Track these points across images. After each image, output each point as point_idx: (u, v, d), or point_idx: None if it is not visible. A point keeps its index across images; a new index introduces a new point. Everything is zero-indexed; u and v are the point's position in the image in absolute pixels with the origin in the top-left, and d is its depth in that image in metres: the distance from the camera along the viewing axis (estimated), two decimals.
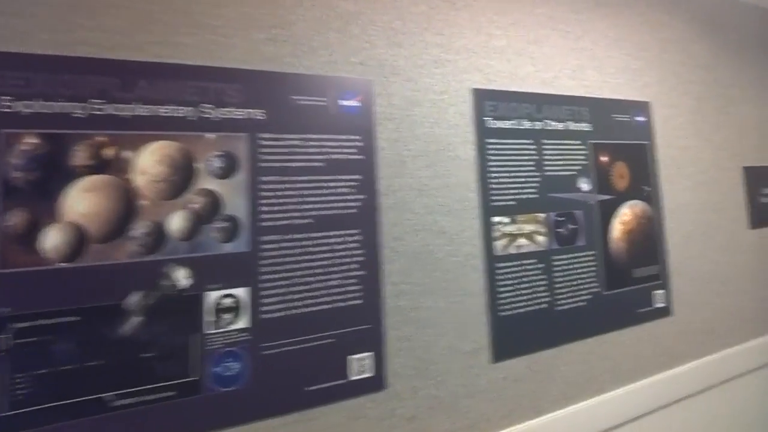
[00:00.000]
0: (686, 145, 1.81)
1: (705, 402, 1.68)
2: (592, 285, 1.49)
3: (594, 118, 1.59)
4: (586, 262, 1.49)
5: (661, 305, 1.64)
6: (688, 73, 1.87)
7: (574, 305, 1.44)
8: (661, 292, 1.64)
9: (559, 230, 1.45)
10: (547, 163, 1.46)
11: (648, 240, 1.64)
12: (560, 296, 1.42)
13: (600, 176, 1.56)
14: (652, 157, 1.70)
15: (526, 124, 1.45)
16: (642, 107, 1.72)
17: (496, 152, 1.38)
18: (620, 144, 1.63)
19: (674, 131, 1.78)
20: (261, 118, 1.07)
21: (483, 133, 1.37)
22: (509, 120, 1.42)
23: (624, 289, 1.56)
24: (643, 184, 1.67)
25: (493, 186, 1.36)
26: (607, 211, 1.56)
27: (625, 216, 1.59)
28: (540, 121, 1.47)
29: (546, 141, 1.47)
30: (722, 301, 1.80)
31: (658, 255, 1.66)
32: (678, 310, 1.67)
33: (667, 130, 1.76)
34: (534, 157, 1.44)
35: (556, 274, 1.42)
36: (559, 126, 1.51)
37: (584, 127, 1.56)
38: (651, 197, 1.67)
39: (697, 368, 1.67)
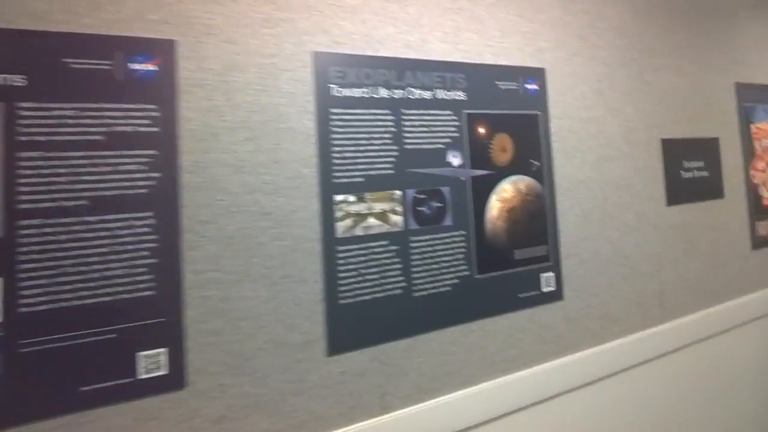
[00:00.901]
0: (590, 116, 1.68)
1: (596, 393, 1.58)
2: (461, 268, 1.37)
3: (471, 86, 1.46)
4: (454, 243, 1.37)
5: (550, 289, 1.53)
6: (596, 37, 1.73)
7: (437, 291, 1.34)
8: (549, 274, 1.53)
9: (420, 209, 1.33)
10: (407, 135, 1.33)
11: (535, 219, 1.52)
12: (419, 281, 1.31)
13: (476, 150, 1.43)
14: (545, 128, 1.58)
15: (383, 93, 1.32)
16: (534, 74, 1.59)
17: (343, 124, 1.26)
18: (504, 114, 1.50)
19: (575, 101, 1.65)
20: (20, 84, 0.94)
21: (326, 102, 1.24)
22: (361, 88, 1.29)
23: (502, 272, 1.44)
24: (533, 158, 1.54)
25: (337, 161, 1.24)
26: (484, 187, 1.44)
27: (505, 193, 1.47)
28: (401, 89, 1.35)
29: (407, 111, 1.35)
30: (624, 285, 1.70)
31: (548, 235, 1.54)
32: (570, 294, 1.56)
33: (567, 99, 1.63)
34: (391, 129, 1.31)
35: (415, 257, 1.31)
36: (426, 94, 1.38)
37: (458, 95, 1.43)
38: (541, 172, 1.55)
39: (589, 357, 1.56)
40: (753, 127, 2.23)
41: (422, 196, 1.34)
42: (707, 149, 2.02)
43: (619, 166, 1.73)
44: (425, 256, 1.33)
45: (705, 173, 1.99)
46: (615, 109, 1.75)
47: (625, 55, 1.80)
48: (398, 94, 1.34)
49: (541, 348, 1.49)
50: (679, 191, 1.89)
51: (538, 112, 1.58)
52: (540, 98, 1.59)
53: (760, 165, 2.23)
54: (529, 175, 1.53)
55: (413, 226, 1.32)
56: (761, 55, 2.35)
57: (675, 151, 1.90)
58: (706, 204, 1.98)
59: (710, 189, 2.01)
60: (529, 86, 1.58)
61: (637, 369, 1.67)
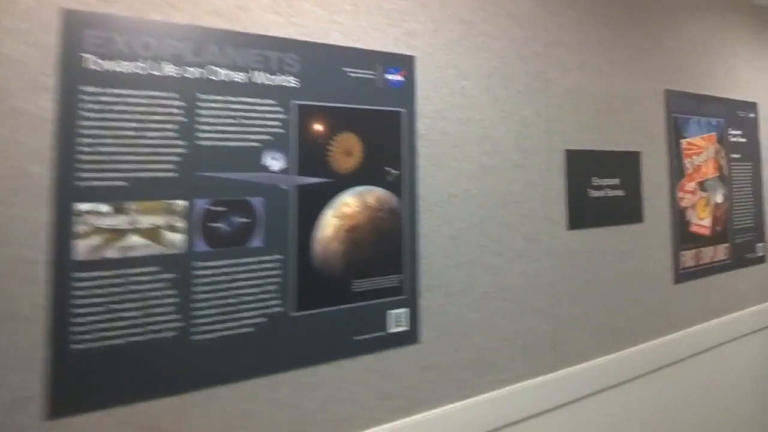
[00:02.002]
0: (472, 117, 1.40)
1: None
2: (271, 303, 1.08)
3: (307, 71, 1.17)
4: (263, 271, 1.07)
5: (401, 329, 1.25)
6: (487, 23, 1.45)
7: (232, 332, 1.03)
8: (401, 311, 1.25)
9: (214, 225, 1.02)
10: (203, 128, 1.04)
11: (386, 241, 1.23)
12: (204, 320, 1.01)
13: (307, 152, 1.14)
14: (409, 129, 1.29)
15: (170, 70, 1.02)
16: (400, 62, 1.30)
17: (100, 108, 0.95)
18: (352, 109, 1.21)
19: (454, 98, 1.37)
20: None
21: (75, 77, 0.93)
22: (135, 61, 0.98)
23: (332, 309, 1.15)
24: (389, 165, 1.25)
25: (86, 158, 0.93)
26: (317, 200, 1.14)
27: (346, 207, 1.17)
28: (198, 67, 1.04)
29: (206, 96, 1.05)
30: (506, 324, 1.43)
31: (404, 261, 1.25)
32: (430, 336, 1.28)
33: (443, 96, 1.35)
34: (179, 119, 1.01)
35: (200, 289, 1.00)
36: (238, 77, 1.08)
37: (287, 81, 1.14)
38: (400, 183, 1.26)
39: (450, 414, 1.28)
40: (684, 141, 1.98)
41: (220, 209, 1.04)
42: (625, 165, 1.76)
43: (508, 180, 1.45)
44: (218, 287, 1.03)
45: (620, 192, 1.73)
46: (507, 111, 1.47)
47: (524, 48, 1.53)
48: (193, 73, 1.04)
49: (383, 404, 1.20)
50: (585, 212, 1.62)
51: (401, 109, 1.30)
52: (405, 92, 1.31)
53: (690, 186, 1.99)
54: (382, 186, 1.24)
55: (201, 247, 1.02)
56: (699, 59, 2.12)
57: (583, 165, 1.63)
58: (620, 229, 1.72)
59: (626, 211, 1.75)
60: (390, 77, 1.29)
61: (516, 427, 1.39)
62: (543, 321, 1.51)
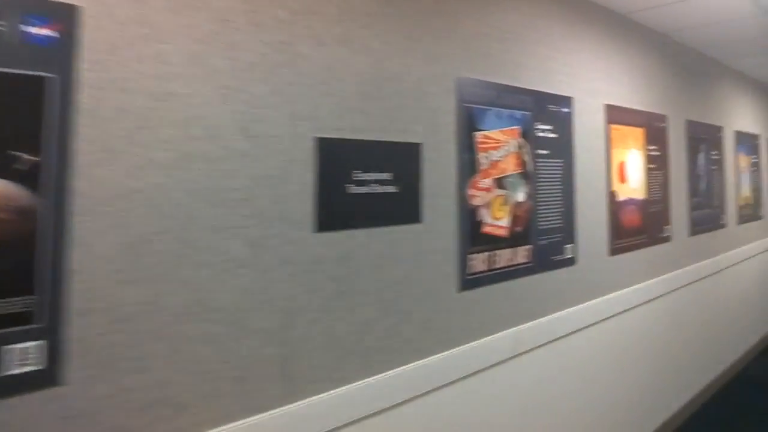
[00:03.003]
0: (173, 91, 1.12)
1: None
2: None
3: None
4: None
5: (28, 369, 0.92)
6: None
7: None
8: (31, 345, 0.93)
9: None
10: None
11: (6, 252, 0.89)
12: None
13: None
14: (62, 102, 0.97)
15: None
16: (52, 12, 0.98)
17: None
18: None
19: (143, 66, 1.11)
20: None
21: None
22: None
23: None
24: (20, 148, 0.91)
25: None
26: None
27: None
28: None
29: None
30: (208, 352, 1.20)
31: (38, 279, 0.93)
32: (82, 375, 0.99)
33: (124, 61, 1.07)
34: None
35: None
36: None
37: None
38: (38, 174, 0.93)
39: None
40: (479, 134, 1.81)
41: None
42: (400, 157, 1.55)
43: (227, 172, 1.19)
44: None
45: (392, 189, 1.52)
46: (231, 87, 1.20)
47: (262, 13, 1.26)
48: None
49: None
50: (341, 212, 1.39)
51: (49, 75, 0.97)
52: (58, 52, 0.99)
53: (485, 182, 1.82)
54: (3, 177, 0.90)
55: None
56: (505, 46, 1.96)
57: (341, 157, 1.39)
58: (390, 230, 1.52)
59: (399, 210, 1.54)
60: (33, 30, 0.96)
61: None
62: (270, 345, 1.26)
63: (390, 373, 1.53)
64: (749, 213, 4.27)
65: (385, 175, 1.53)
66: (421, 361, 1.61)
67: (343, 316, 1.42)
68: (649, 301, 2.84)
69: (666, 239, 3.05)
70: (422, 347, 1.62)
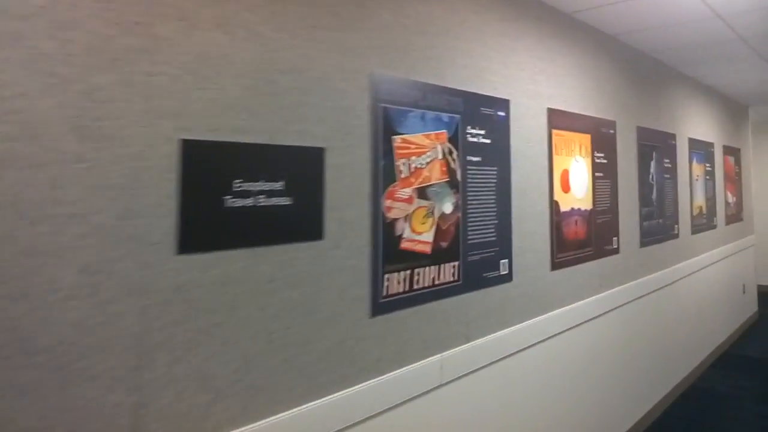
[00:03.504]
0: None
1: None
2: None
3: None
4: None
5: None
6: None
7: None
8: None
9: None
10: None
11: None
12: None
13: None
14: None
15: None
16: None
17: None
18: None
19: None
20: None
21: None
22: None
23: None
24: None
25: None
26: None
27: None
28: None
29: None
30: (14, 406, 0.90)
31: None
32: None
33: None
34: None
35: None
36: None
37: None
38: None
39: None
40: (398, 138, 1.60)
41: None
42: (297, 164, 1.33)
43: (53, 181, 0.99)
44: None
45: (285, 201, 1.30)
46: (59, 75, 0.96)
47: None
48: None
49: None
50: (215, 229, 1.15)
51: None
52: None
53: (405, 192, 1.61)
54: None
55: None
56: (431, 41, 1.75)
57: (215, 163, 1.16)
58: (284, 249, 1.30)
59: (294, 226, 1.33)
60: None
61: None
62: (116, 391, 1.02)
63: (282, 415, 1.31)
64: (703, 222, 4.19)
65: (276, 185, 1.31)
66: (322, 400, 1.40)
67: (216, 351, 1.19)
68: (597, 316, 2.69)
69: (615, 251, 2.90)
70: (324, 383, 1.41)
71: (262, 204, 1.29)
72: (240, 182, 1.25)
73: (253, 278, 1.27)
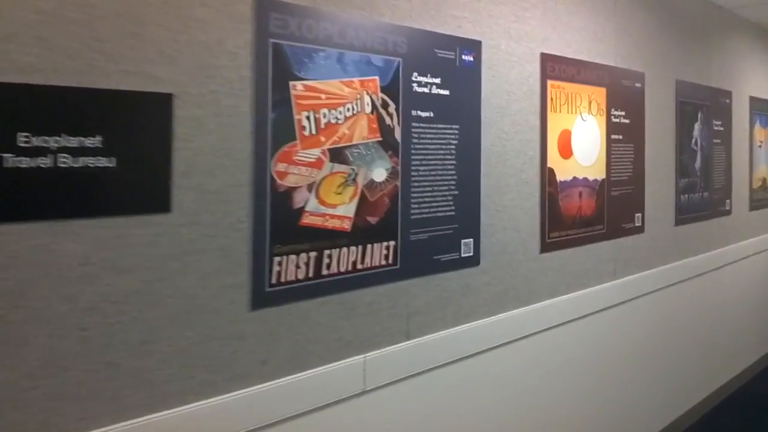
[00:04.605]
0: None
1: None
2: None
3: None
4: None
5: None
6: None
7: None
8: None
9: None
10: None
11: None
12: None
13: None
14: None
15: None
16: None
17: None
18: None
19: None
20: None
21: None
22: None
23: None
24: None
25: None
26: None
27: None
28: None
29: None
30: None
31: None
32: None
33: None
34: None
35: None
36: None
37: None
38: None
39: None
40: (299, 85, 1.26)
41: None
42: (123, 116, 1.02)
43: None
44: None
45: (105, 162, 1.02)
46: None
47: None
48: None
49: None
50: None
51: None
52: None
53: (309, 154, 1.28)
54: None
55: None
56: None
57: None
58: (105, 224, 1.04)
59: (120, 194, 1.07)
60: None
61: None
62: None
63: (104, 430, 1.02)
64: (766, 197, 3.55)
65: (88, 141, 1.00)
66: (170, 411, 1.13)
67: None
68: (606, 308, 2.26)
69: (637, 230, 2.43)
70: (174, 391, 1.13)
71: (65, 165, 0.98)
72: (27, 136, 0.94)
73: (55, 260, 0.98)
